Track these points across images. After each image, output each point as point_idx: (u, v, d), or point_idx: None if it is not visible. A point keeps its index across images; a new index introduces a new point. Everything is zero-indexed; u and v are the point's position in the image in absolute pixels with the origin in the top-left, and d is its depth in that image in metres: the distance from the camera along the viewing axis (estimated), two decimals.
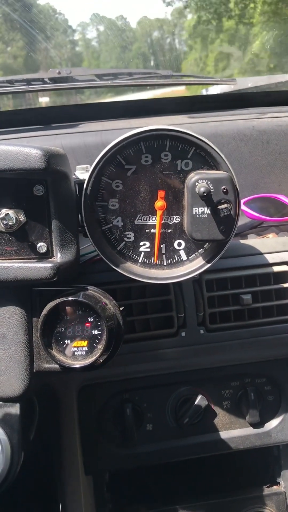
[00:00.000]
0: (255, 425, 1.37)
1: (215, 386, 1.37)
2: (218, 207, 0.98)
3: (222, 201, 0.97)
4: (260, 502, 1.44)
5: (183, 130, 0.97)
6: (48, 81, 1.50)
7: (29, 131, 1.52)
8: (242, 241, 1.32)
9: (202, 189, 0.96)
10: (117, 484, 1.47)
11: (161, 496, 1.48)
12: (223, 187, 0.97)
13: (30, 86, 1.47)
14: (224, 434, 1.37)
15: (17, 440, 1.02)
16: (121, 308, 1.04)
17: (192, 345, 1.24)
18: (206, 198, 0.97)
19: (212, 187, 0.97)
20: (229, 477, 1.57)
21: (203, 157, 1.01)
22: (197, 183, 0.97)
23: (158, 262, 1.06)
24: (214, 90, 1.90)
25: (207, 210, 0.99)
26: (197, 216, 0.99)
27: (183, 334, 1.23)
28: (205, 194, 0.96)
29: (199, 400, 1.31)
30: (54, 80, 1.51)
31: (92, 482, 1.39)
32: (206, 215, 0.99)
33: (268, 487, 1.48)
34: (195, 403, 1.31)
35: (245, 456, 1.47)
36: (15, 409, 1.03)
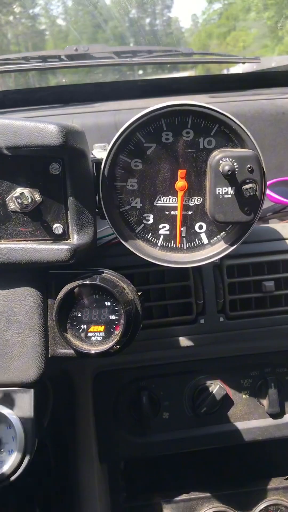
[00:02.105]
0: (274, 416, 1.34)
1: (234, 375, 1.33)
2: (243, 187, 0.93)
3: (247, 181, 0.93)
4: (278, 494, 1.40)
5: (207, 106, 0.92)
6: (65, 58, 1.45)
7: (42, 110, 1.48)
8: (263, 226, 1.28)
9: (227, 168, 0.91)
10: (131, 472, 1.45)
11: (176, 486, 1.45)
12: (248, 165, 0.92)
13: (46, 64, 1.43)
14: (242, 425, 1.34)
15: (31, 427, 1.00)
16: (139, 293, 1.00)
17: (211, 333, 1.21)
18: (230, 178, 0.92)
19: (236, 166, 0.92)
20: (246, 468, 1.54)
21: (227, 135, 0.96)
22: (221, 162, 0.92)
23: (179, 245, 1.02)
24: (235, 69, 1.83)
25: (231, 190, 0.94)
26: (220, 196, 0.94)
27: (202, 321, 1.20)
28: (230, 173, 0.91)
29: (217, 389, 1.27)
30: (71, 57, 1.46)
31: (106, 470, 1.37)
32: (229, 196, 0.94)
33: (287, 479, 1.44)
34: (213, 392, 1.27)
35: (264, 446, 1.44)
36: (29, 395, 1.01)
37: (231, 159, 0.92)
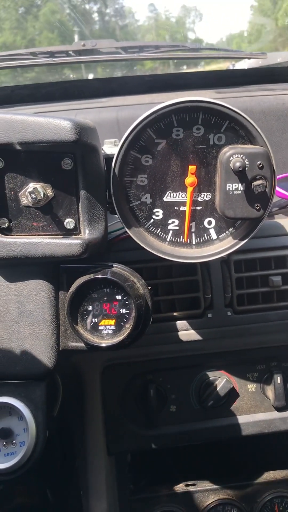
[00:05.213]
0: (280, 409, 1.35)
1: (240, 369, 1.34)
2: (253, 183, 0.94)
3: (257, 177, 0.93)
4: (283, 486, 1.42)
5: (218, 102, 0.93)
6: (73, 54, 1.45)
7: (46, 105, 1.48)
8: (270, 221, 1.28)
9: (238, 164, 0.91)
10: (138, 464, 1.46)
11: (182, 478, 1.47)
12: (258, 162, 0.93)
13: (54, 59, 1.43)
14: (248, 418, 1.35)
15: (42, 419, 1.01)
16: (149, 287, 1.01)
17: (219, 327, 1.22)
18: (241, 174, 0.93)
19: (247, 162, 0.93)
20: (252, 460, 1.55)
21: (237, 131, 0.96)
22: (231, 158, 0.93)
23: (188, 240, 1.03)
24: (241, 64, 1.83)
25: (241, 187, 0.95)
26: (231, 192, 0.95)
27: (209, 315, 1.21)
28: (240, 169, 0.92)
29: (224, 382, 1.28)
30: (78, 52, 1.46)
31: (114, 462, 1.39)
32: (239, 192, 0.95)
33: None
34: (220, 385, 1.28)
35: (269, 439, 1.45)
36: (40, 387, 1.02)
37: (241, 156, 0.93)
